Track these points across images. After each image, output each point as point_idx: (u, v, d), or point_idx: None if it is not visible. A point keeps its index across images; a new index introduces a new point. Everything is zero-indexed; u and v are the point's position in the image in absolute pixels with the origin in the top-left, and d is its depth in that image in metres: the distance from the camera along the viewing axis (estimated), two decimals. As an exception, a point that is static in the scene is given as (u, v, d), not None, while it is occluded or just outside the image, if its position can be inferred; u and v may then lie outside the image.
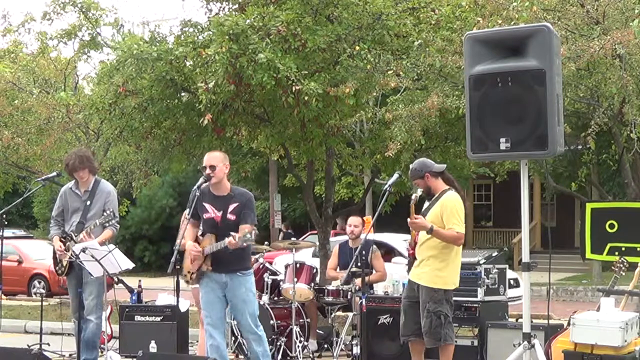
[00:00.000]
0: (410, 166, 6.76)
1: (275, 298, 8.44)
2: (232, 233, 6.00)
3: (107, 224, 7.02)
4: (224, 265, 6.21)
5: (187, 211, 6.53)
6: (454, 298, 7.56)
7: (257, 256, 8.55)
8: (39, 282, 17.74)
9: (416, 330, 6.50)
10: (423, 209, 6.61)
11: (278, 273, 8.68)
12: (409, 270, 6.82)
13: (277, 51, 9.02)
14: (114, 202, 7.15)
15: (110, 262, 6.65)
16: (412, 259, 6.77)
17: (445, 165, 6.84)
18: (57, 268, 7.23)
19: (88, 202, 7.08)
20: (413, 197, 6.27)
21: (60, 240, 7.11)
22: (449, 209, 6.40)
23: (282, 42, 9.20)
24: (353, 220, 8.65)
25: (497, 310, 7.70)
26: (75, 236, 6.96)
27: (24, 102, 14.39)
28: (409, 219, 6.30)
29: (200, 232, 6.46)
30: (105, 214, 6.95)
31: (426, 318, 6.36)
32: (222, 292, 6.27)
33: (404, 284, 7.41)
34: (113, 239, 7.17)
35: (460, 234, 6.38)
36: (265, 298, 8.23)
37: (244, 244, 6.02)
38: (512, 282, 13.38)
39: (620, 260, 6.93)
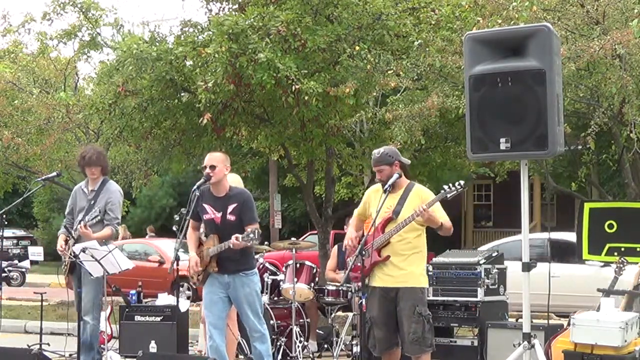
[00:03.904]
0: (378, 150, 6.14)
1: (275, 298, 8.44)
2: (234, 235, 6.01)
3: (105, 222, 6.99)
4: (227, 265, 6.21)
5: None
6: (454, 298, 7.60)
7: (257, 256, 8.56)
8: (182, 285, 15.08)
9: (395, 340, 5.99)
10: (383, 201, 5.93)
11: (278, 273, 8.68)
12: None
13: (277, 51, 9.03)
14: (116, 201, 7.11)
15: (110, 262, 6.65)
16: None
17: (409, 161, 6.31)
18: (62, 267, 7.21)
19: (93, 202, 7.08)
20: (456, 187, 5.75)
21: (66, 239, 7.08)
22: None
23: (282, 42, 9.21)
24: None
25: (497, 310, 7.69)
26: (75, 232, 6.96)
27: (24, 102, 14.39)
28: (421, 208, 5.73)
29: (203, 234, 6.47)
30: (95, 209, 6.91)
31: (417, 323, 5.83)
32: (225, 293, 6.28)
33: None
34: (112, 237, 7.16)
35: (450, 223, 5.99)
36: (265, 298, 8.22)
37: (249, 243, 6.02)
38: None
39: (620, 260, 6.93)
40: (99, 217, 6.89)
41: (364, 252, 5.87)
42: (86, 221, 6.83)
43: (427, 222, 5.85)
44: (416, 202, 5.89)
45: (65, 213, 7.39)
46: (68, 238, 7.05)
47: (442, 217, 5.93)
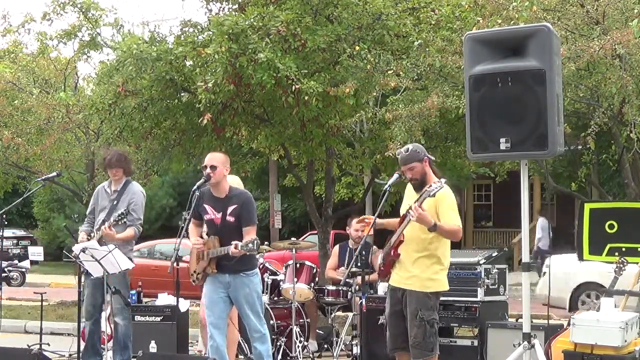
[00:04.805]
0: (405, 148, 5.93)
1: (275, 298, 8.44)
2: (234, 242, 6.00)
3: (128, 223, 7.02)
4: (228, 265, 6.22)
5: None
6: (454, 298, 7.59)
7: (257, 256, 8.55)
8: None
9: (402, 343, 5.92)
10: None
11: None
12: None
13: (277, 51, 9.02)
14: (139, 202, 7.22)
15: (110, 262, 6.65)
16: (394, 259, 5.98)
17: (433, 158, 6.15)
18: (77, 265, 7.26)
19: (115, 202, 7.17)
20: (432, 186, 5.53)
21: (87, 237, 7.11)
22: (447, 202, 5.74)
23: (282, 42, 9.20)
24: (359, 224, 8.63)
25: (497, 310, 7.70)
26: (97, 232, 7.04)
27: (24, 102, 14.37)
28: (411, 208, 5.54)
29: (205, 232, 6.49)
30: (120, 211, 6.94)
31: (418, 327, 5.75)
32: (226, 292, 6.28)
33: None
34: (135, 238, 7.23)
35: (460, 227, 5.79)
36: (265, 298, 8.23)
37: (247, 253, 6.04)
38: None
39: (620, 260, 6.93)
40: (124, 219, 6.92)
41: (363, 252, 5.89)
42: (110, 222, 6.86)
43: (418, 222, 5.59)
44: (430, 202, 5.67)
45: (87, 212, 7.46)
46: (90, 236, 7.08)
47: (447, 222, 5.70)
